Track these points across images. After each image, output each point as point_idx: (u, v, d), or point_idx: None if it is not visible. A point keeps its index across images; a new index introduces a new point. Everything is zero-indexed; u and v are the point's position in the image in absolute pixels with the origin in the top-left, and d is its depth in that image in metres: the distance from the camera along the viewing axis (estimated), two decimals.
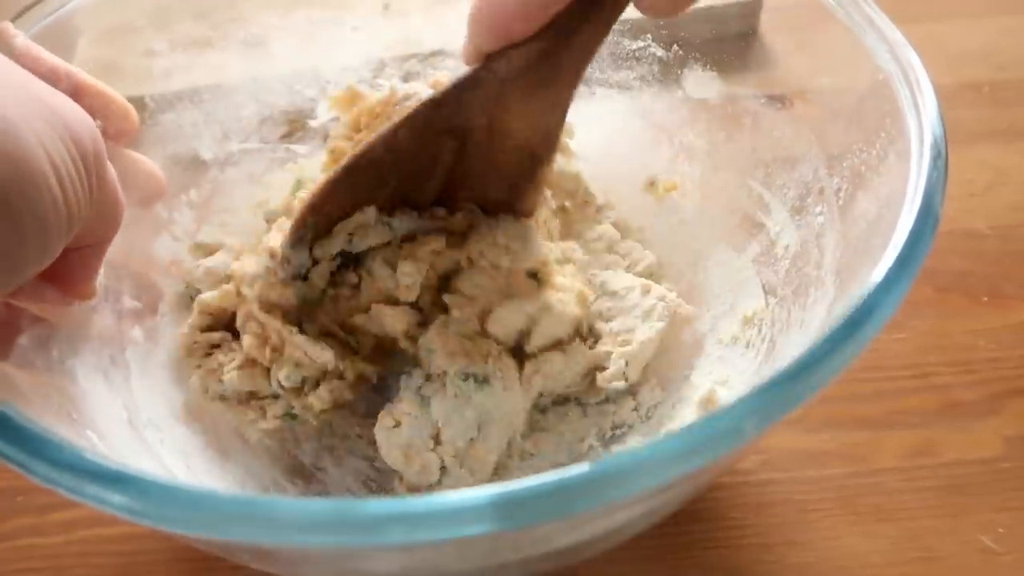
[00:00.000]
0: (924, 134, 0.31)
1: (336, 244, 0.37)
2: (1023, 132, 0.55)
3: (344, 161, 0.35)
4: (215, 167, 0.45)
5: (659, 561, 0.38)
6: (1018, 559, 0.37)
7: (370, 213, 0.37)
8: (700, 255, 0.44)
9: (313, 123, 0.47)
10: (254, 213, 0.43)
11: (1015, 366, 0.44)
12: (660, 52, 0.45)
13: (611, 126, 0.47)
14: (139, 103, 0.41)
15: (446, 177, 0.37)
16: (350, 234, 0.37)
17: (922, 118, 0.31)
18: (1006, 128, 0.56)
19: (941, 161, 0.30)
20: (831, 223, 0.37)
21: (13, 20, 0.36)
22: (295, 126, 0.47)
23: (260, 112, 0.46)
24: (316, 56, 0.46)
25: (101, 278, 0.38)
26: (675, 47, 0.45)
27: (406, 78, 0.47)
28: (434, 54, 0.48)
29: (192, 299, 0.40)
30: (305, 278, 0.37)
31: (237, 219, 0.44)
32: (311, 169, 0.44)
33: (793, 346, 0.34)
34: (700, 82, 0.44)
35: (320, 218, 0.36)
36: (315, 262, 0.37)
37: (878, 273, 0.27)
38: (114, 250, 0.39)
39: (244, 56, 0.45)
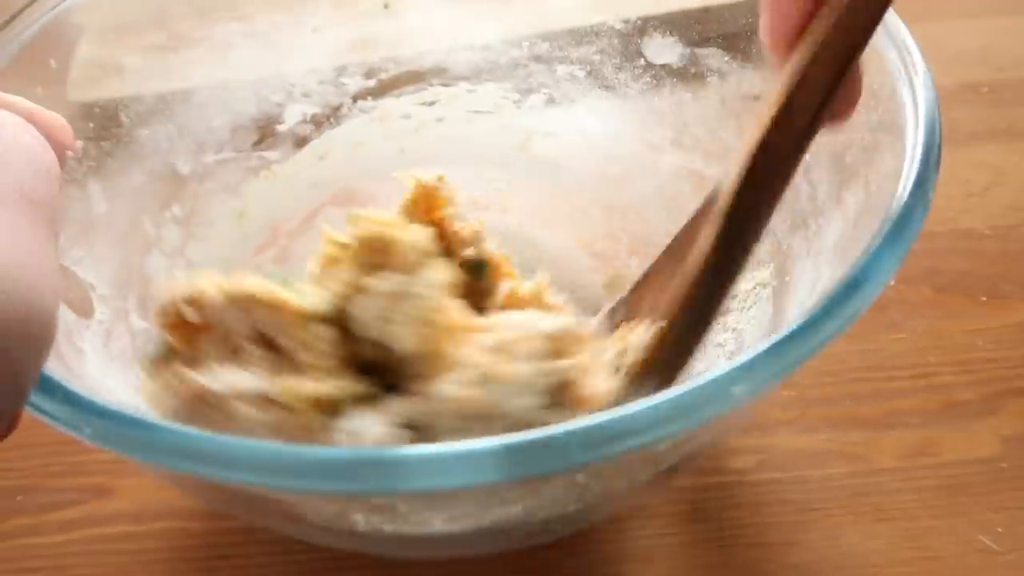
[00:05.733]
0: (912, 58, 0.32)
1: None
2: (1022, 132, 0.55)
3: None
4: (193, 180, 0.44)
5: (659, 561, 0.38)
6: (1017, 558, 0.37)
7: None
8: (683, 213, 0.44)
9: (282, 128, 0.47)
10: (233, 224, 0.44)
11: (1014, 366, 0.44)
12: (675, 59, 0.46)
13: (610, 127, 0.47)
14: (115, 120, 0.41)
15: None
16: None
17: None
18: (1005, 128, 0.56)
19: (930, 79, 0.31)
20: (817, 157, 0.37)
21: (11, 20, 0.36)
22: (265, 132, 0.47)
23: (231, 121, 0.46)
24: (280, 60, 0.47)
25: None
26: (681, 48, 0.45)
27: (369, 75, 0.47)
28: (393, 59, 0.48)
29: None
30: None
31: (216, 231, 0.44)
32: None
33: (807, 276, 0.35)
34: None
35: None
36: None
37: (879, 231, 0.27)
38: (114, 272, 0.39)
39: (211, 66, 0.45)
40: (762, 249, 0.40)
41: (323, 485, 0.23)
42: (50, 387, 0.25)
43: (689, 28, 0.44)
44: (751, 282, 0.40)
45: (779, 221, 0.39)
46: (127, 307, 0.39)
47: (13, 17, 0.37)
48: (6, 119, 0.24)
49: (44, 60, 0.38)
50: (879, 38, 0.34)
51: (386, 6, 0.48)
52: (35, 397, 0.25)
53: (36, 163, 0.24)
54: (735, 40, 0.43)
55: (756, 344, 0.36)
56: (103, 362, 0.35)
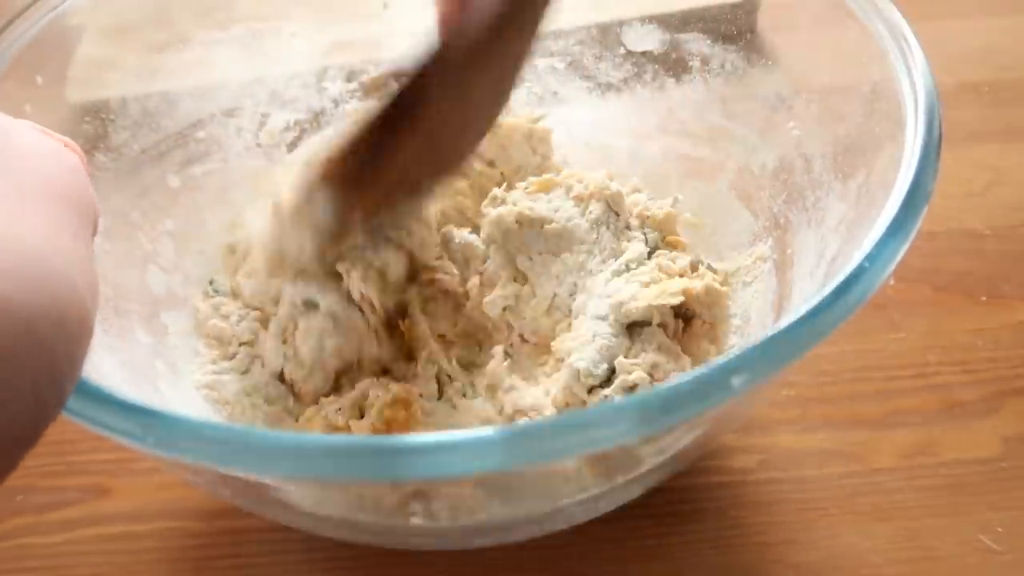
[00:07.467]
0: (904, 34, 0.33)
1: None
2: (1022, 132, 0.55)
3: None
4: (184, 193, 0.44)
5: (659, 561, 0.38)
6: (1017, 558, 0.37)
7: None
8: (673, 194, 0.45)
9: (270, 133, 0.47)
10: (227, 233, 0.44)
11: (1014, 366, 0.44)
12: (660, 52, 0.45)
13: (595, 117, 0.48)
14: (105, 135, 0.41)
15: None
16: None
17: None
18: (1005, 128, 0.56)
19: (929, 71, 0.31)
20: (810, 133, 0.37)
21: (11, 22, 0.36)
22: (254, 141, 0.47)
23: (214, 131, 0.46)
24: (259, 67, 0.46)
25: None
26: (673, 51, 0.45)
27: (349, 78, 0.48)
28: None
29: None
30: None
31: (212, 244, 0.44)
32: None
33: (811, 247, 0.35)
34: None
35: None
36: None
37: (884, 215, 0.28)
38: (117, 292, 0.39)
39: (193, 77, 0.45)
40: (758, 224, 0.40)
41: (328, 473, 0.23)
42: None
43: (669, 16, 0.45)
44: (750, 257, 0.40)
45: (774, 195, 0.39)
46: (133, 326, 0.39)
47: (12, 19, 0.37)
48: (21, 125, 0.25)
49: (43, 62, 0.38)
50: (877, 28, 0.34)
51: (385, 6, 0.48)
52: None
53: (61, 161, 0.24)
54: (716, 24, 0.43)
55: (762, 318, 0.37)
56: (122, 375, 0.35)
